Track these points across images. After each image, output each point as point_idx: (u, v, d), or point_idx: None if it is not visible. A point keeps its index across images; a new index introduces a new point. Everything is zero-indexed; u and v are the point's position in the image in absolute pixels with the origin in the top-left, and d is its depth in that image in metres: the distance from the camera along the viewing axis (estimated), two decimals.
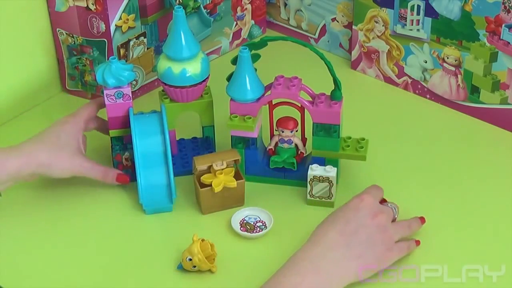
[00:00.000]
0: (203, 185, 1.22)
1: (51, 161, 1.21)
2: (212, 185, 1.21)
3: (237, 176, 1.23)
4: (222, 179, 1.22)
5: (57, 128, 1.24)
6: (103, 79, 1.22)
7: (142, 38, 1.44)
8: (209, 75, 1.27)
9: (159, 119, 1.24)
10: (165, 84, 1.26)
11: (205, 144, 1.33)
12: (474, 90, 1.39)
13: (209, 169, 1.23)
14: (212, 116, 1.30)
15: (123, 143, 1.28)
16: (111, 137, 1.27)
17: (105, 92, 1.23)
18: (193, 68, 1.24)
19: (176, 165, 1.29)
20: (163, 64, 1.25)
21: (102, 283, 1.14)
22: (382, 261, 1.09)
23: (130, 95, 1.24)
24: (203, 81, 1.26)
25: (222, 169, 1.22)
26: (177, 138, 1.33)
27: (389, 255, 1.10)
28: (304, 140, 1.28)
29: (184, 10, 1.21)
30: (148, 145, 1.23)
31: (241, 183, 1.23)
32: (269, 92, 1.24)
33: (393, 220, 1.14)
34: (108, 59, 1.41)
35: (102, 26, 1.38)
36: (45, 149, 1.21)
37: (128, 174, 1.26)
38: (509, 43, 1.31)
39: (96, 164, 1.25)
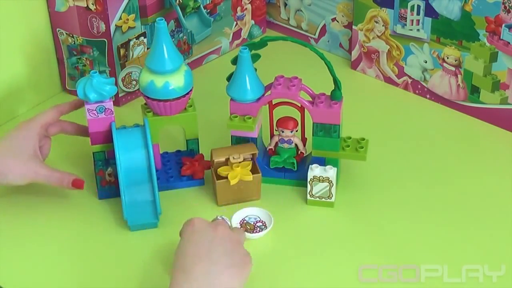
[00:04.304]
0: (219, 177, 1.22)
1: (3, 168, 1.18)
2: (228, 177, 1.21)
3: (253, 170, 1.23)
4: (239, 172, 1.22)
5: (11, 134, 1.21)
6: (84, 94, 1.18)
7: (142, 38, 1.44)
8: (192, 87, 1.24)
9: (142, 133, 1.21)
10: (148, 97, 1.22)
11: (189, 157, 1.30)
12: (474, 90, 1.39)
13: (227, 162, 1.23)
14: (196, 129, 1.27)
15: (106, 159, 1.25)
16: (93, 153, 1.24)
17: (86, 107, 1.19)
18: (176, 81, 1.21)
19: (160, 179, 1.27)
20: (146, 77, 1.21)
21: None
22: (242, 267, 1.04)
23: (112, 109, 1.20)
24: (187, 94, 1.23)
25: (239, 162, 1.23)
26: (161, 152, 1.30)
27: (246, 260, 1.06)
28: (304, 140, 1.28)
29: (165, 22, 1.18)
30: (132, 160, 1.20)
31: (258, 177, 1.23)
32: (269, 92, 1.23)
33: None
34: (106, 60, 1.41)
35: (102, 26, 1.38)
36: None
37: (83, 180, 1.22)
38: (509, 43, 1.31)
39: (52, 170, 1.21)
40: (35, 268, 1.16)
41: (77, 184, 1.22)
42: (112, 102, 1.21)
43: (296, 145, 1.27)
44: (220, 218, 1.13)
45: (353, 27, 1.51)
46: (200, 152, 1.30)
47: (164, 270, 1.14)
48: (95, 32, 1.39)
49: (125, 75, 1.45)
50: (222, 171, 1.22)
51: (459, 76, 1.40)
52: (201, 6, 1.51)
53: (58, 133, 1.27)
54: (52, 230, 1.21)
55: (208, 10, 1.53)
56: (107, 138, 1.22)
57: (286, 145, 1.26)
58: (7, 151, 1.20)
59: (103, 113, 1.20)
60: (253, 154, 1.24)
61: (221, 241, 1.05)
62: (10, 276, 1.14)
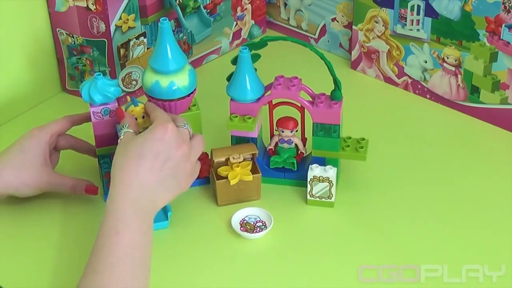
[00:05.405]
0: (219, 177, 1.23)
1: (18, 181, 1.18)
2: (228, 177, 1.21)
3: (253, 170, 1.23)
4: (239, 172, 1.22)
5: (23, 143, 1.20)
6: (89, 97, 1.18)
7: (142, 38, 1.44)
8: (196, 87, 1.24)
9: None
10: (152, 98, 1.21)
11: None
12: (474, 90, 1.39)
13: (227, 162, 1.23)
14: (200, 128, 1.26)
15: (110, 161, 1.22)
16: (98, 155, 1.23)
17: (91, 109, 1.19)
18: (180, 81, 1.20)
19: None
20: (150, 78, 1.20)
21: None
22: (183, 188, 1.11)
23: None
24: (191, 93, 1.22)
25: (239, 162, 1.23)
26: None
27: (189, 180, 1.11)
28: (304, 140, 1.28)
29: (169, 22, 1.17)
30: None
31: (258, 177, 1.23)
32: (269, 92, 1.23)
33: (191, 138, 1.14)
34: (106, 60, 1.41)
35: (102, 26, 1.38)
36: (11, 169, 1.18)
37: (97, 186, 1.23)
38: (509, 43, 1.31)
39: (64, 178, 1.21)
40: (38, 270, 1.15)
41: (90, 191, 1.23)
42: (116, 104, 1.20)
43: (296, 145, 1.27)
44: (183, 124, 1.13)
45: (353, 27, 1.51)
46: (204, 151, 1.30)
47: (169, 270, 1.14)
48: (95, 32, 1.39)
49: (125, 75, 1.45)
50: (222, 171, 1.22)
51: (459, 76, 1.40)
52: (201, 6, 1.51)
53: (68, 148, 1.26)
54: (58, 233, 1.21)
55: (208, 10, 1.53)
56: (112, 140, 1.22)
57: (286, 145, 1.27)
58: (20, 163, 1.19)
59: (108, 115, 1.20)
60: (253, 154, 1.24)
61: (176, 162, 1.08)
62: (11, 276, 1.14)
